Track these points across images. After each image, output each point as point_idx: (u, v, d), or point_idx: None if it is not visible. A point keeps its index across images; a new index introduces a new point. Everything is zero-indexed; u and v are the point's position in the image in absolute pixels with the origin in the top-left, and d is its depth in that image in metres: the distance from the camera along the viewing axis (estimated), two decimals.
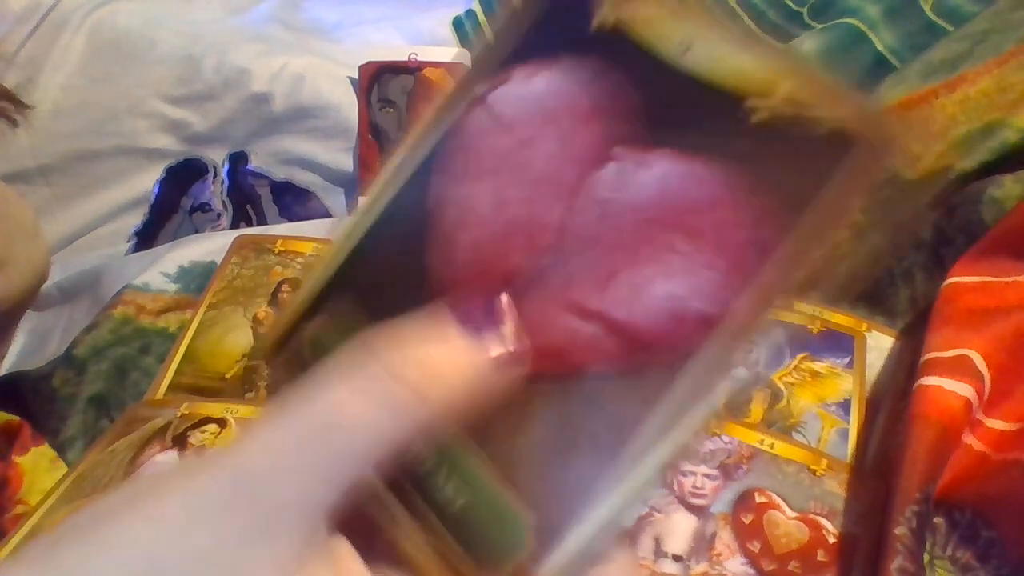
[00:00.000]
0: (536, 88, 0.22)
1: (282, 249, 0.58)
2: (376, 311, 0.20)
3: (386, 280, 0.22)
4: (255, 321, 0.54)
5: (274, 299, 0.55)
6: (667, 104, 0.20)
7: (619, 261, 0.20)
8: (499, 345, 0.19)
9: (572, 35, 0.22)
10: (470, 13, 0.93)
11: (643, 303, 0.19)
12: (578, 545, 0.19)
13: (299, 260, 0.57)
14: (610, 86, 0.21)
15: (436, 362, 0.19)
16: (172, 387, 0.51)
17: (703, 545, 0.37)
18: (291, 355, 0.23)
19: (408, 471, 0.20)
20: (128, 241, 0.77)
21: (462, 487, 0.20)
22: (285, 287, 0.56)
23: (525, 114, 0.21)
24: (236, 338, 0.53)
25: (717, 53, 0.20)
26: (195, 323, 0.54)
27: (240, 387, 0.51)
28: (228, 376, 0.52)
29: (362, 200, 0.24)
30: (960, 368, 0.41)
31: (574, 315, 0.20)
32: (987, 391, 0.41)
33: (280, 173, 0.79)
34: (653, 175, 0.20)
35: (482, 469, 0.20)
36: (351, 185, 0.78)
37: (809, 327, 0.49)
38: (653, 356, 0.19)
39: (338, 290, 0.23)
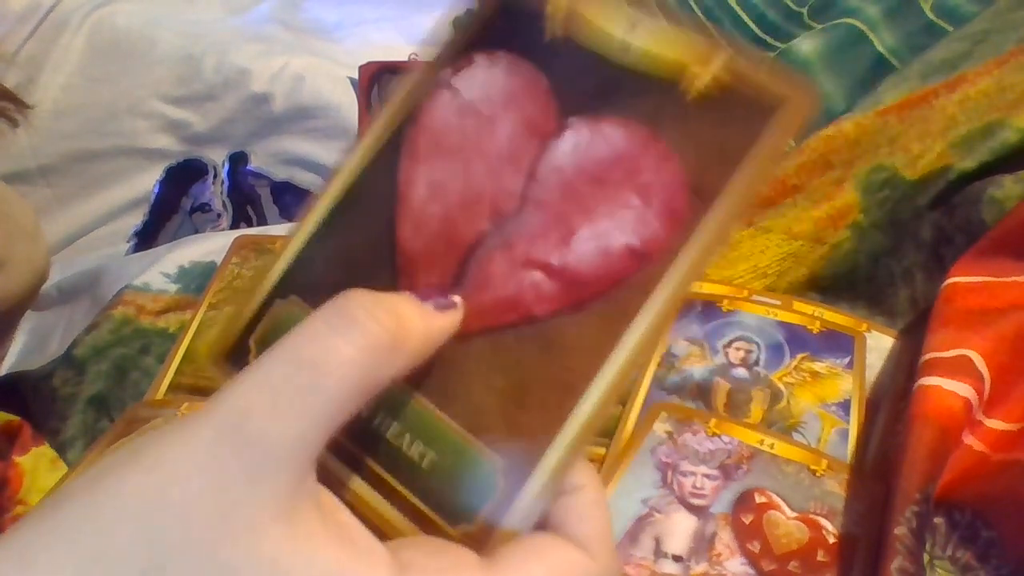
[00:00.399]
0: (497, 71, 0.24)
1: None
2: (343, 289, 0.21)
3: (354, 258, 0.24)
4: None
5: None
6: (613, 91, 0.23)
7: (575, 218, 0.22)
8: (454, 310, 0.22)
9: (525, 38, 0.24)
10: (470, 13, 0.93)
11: (595, 250, 0.22)
12: (544, 482, 0.21)
13: None
14: (563, 76, 0.24)
15: (408, 315, 0.20)
16: (172, 387, 0.51)
17: (703, 545, 0.37)
18: (241, 355, 0.24)
19: (363, 434, 0.22)
20: (128, 241, 0.77)
21: (428, 445, 0.21)
22: None
23: (487, 95, 0.24)
24: None
25: (653, 44, 0.23)
26: (195, 323, 0.54)
27: None
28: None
29: (323, 186, 0.25)
30: (960, 368, 0.41)
31: (536, 269, 0.22)
32: (987, 391, 0.41)
33: (280, 173, 0.79)
34: (604, 140, 0.23)
35: (446, 425, 0.21)
36: None
37: (809, 327, 0.49)
38: (596, 291, 0.22)
39: (298, 279, 0.24)
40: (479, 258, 0.23)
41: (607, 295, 0.22)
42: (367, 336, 0.19)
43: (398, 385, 0.21)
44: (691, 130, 0.22)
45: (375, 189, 0.24)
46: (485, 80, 0.24)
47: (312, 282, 0.24)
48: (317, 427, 0.19)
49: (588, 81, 0.23)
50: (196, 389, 0.51)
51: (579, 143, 0.23)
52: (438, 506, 0.21)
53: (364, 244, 0.24)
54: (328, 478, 0.21)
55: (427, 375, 0.22)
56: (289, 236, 0.25)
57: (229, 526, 0.18)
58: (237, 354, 0.24)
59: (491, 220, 0.23)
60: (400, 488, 0.21)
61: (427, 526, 0.21)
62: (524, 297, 0.22)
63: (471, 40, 0.25)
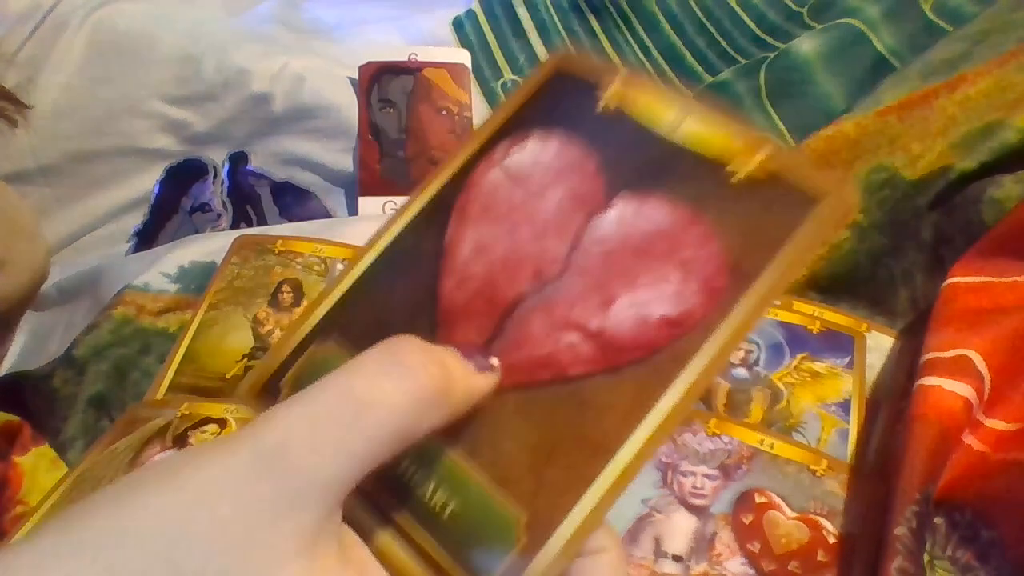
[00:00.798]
0: (549, 148, 0.26)
1: (282, 249, 0.58)
2: (381, 340, 0.21)
3: (396, 307, 0.25)
4: (255, 321, 0.54)
5: (274, 299, 0.55)
6: (661, 168, 0.24)
7: (616, 287, 0.23)
8: (492, 372, 0.22)
9: (577, 113, 0.26)
10: (470, 13, 0.93)
11: (633, 318, 0.23)
12: (568, 539, 0.20)
13: (299, 260, 0.57)
14: (612, 152, 0.25)
15: (455, 370, 0.20)
16: (172, 387, 0.51)
17: (703, 545, 0.37)
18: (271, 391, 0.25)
19: (390, 483, 0.22)
20: (128, 241, 0.77)
21: (453, 493, 0.22)
22: (285, 287, 0.56)
23: (539, 170, 0.25)
24: (236, 338, 0.53)
25: (702, 128, 0.24)
26: (195, 323, 0.54)
27: None
28: (228, 376, 0.52)
29: (371, 237, 0.26)
30: (960, 368, 0.41)
31: (574, 331, 0.23)
32: (987, 391, 0.41)
33: (280, 173, 0.79)
34: (649, 216, 0.24)
35: (473, 476, 0.22)
36: (351, 185, 0.78)
37: (809, 327, 0.49)
38: (632, 358, 0.22)
39: (338, 323, 0.25)
40: (518, 317, 0.24)
41: (642, 362, 0.22)
42: (417, 384, 0.19)
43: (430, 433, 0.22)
44: (734, 213, 0.23)
45: (422, 245, 0.25)
46: (537, 156, 0.26)
47: (353, 327, 0.25)
48: (353, 467, 0.19)
49: (636, 157, 0.25)
50: (196, 389, 0.51)
51: (625, 217, 0.24)
52: (457, 557, 0.21)
53: (407, 295, 0.25)
54: (349, 517, 0.21)
55: (459, 426, 0.22)
56: (333, 282, 0.26)
57: (251, 555, 0.18)
58: (268, 393, 0.25)
59: (532, 282, 0.24)
60: (420, 536, 0.21)
61: (423, 557, 0.21)
62: (560, 357, 0.23)
63: (524, 112, 0.27)
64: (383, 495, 0.22)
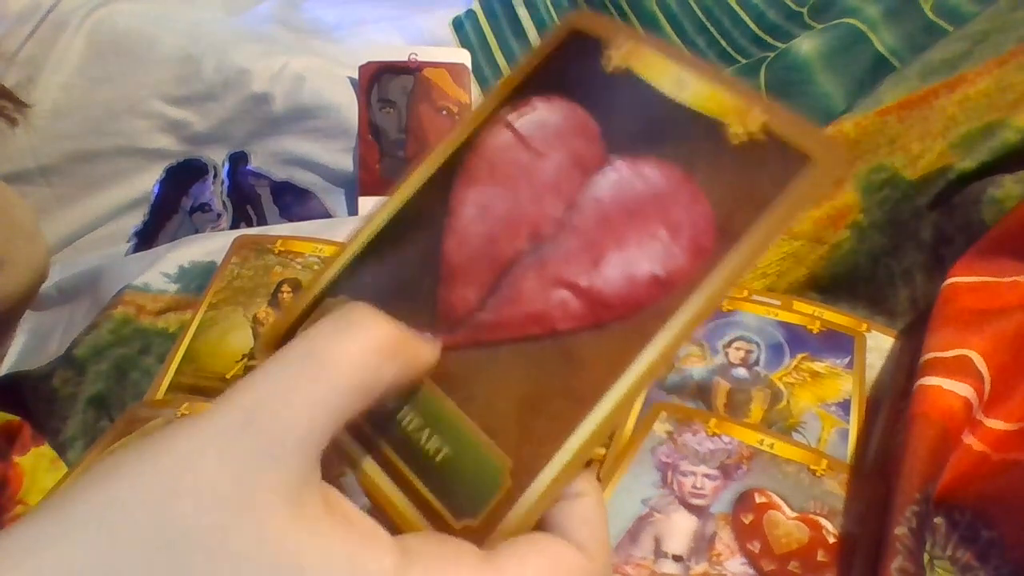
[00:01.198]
0: (553, 114, 0.27)
1: (282, 249, 0.58)
2: (388, 296, 0.24)
3: (402, 265, 0.26)
4: (255, 321, 0.54)
5: (274, 299, 0.55)
6: (662, 129, 0.25)
7: (607, 245, 0.24)
8: (433, 346, 0.24)
9: (587, 73, 0.27)
10: (470, 13, 0.93)
11: (621, 275, 0.24)
12: (548, 484, 0.22)
13: (299, 260, 0.57)
14: (617, 112, 0.26)
15: (401, 329, 0.22)
16: (172, 387, 0.51)
17: (703, 545, 0.37)
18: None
19: (386, 429, 0.24)
20: (128, 241, 0.77)
21: (445, 439, 0.23)
22: (285, 287, 0.56)
23: (541, 134, 0.26)
24: (236, 338, 0.53)
25: (708, 88, 0.25)
26: (195, 323, 0.54)
27: None
28: (228, 376, 0.52)
29: (378, 200, 0.27)
30: (960, 368, 0.41)
31: (564, 288, 0.24)
32: (987, 391, 0.41)
33: (280, 173, 0.79)
34: (642, 177, 0.25)
35: (465, 424, 0.23)
36: (351, 185, 0.78)
37: (809, 327, 0.49)
38: (619, 314, 0.23)
39: (349, 281, 0.27)
40: (514, 274, 0.25)
41: (628, 318, 0.23)
42: (368, 338, 0.21)
43: (427, 384, 0.24)
44: (725, 174, 0.24)
45: (429, 206, 0.27)
46: (544, 118, 0.27)
47: (361, 284, 0.26)
48: (324, 419, 0.20)
49: (639, 118, 0.25)
50: (196, 389, 0.51)
51: (619, 178, 0.25)
52: (445, 498, 0.22)
53: (413, 254, 0.26)
54: (345, 459, 0.23)
55: (454, 377, 0.24)
56: (346, 242, 0.27)
57: (240, 508, 0.18)
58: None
59: (530, 241, 0.25)
60: (411, 477, 0.23)
61: (432, 516, 0.22)
62: (551, 313, 0.24)
63: (537, 72, 0.28)
64: (377, 433, 0.24)
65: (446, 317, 0.25)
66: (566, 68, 0.27)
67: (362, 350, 0.21)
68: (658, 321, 0.23)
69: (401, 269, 0.26)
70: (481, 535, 0.22)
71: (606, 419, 0.22)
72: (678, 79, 0.25)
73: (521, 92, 0.27)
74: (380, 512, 0.22)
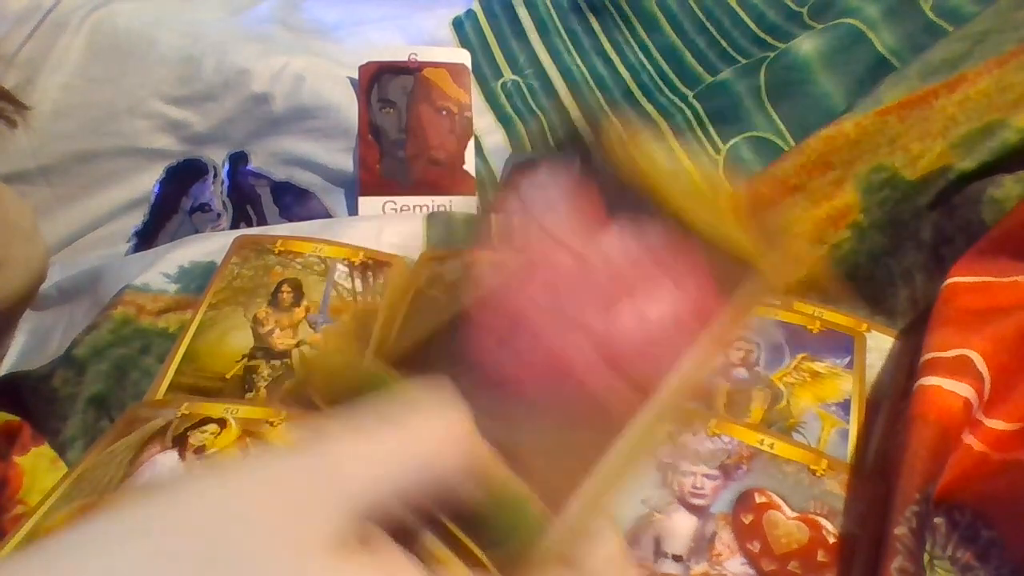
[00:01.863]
0: (557, 177, 0.29)
1: (282, 249, 0.58)
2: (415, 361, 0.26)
3: (426, 327, 0.28)
4: (255, 321, 0.54)
5: (274, 299, 0.55)
6: (644, 203, 0.28)
7: (617, 294, 0.26)
8: None
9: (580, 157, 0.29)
10: (470, 13, 0.93)
11: (634, 321, 0.25)
12: (572, 521, 0.23)
13: (299, 260, 0.57)
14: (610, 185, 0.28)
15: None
16: (172, 387, 0.51)
17: (703, 545, 0.37)
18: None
19: None
20: (128, 241, 0.77)
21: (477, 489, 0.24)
22: (285, 287, 0.56)
23: (546, 194, 0.29)
24: (236, 338, 0.53)
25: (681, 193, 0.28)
26: (195, 323, 0.54)
27: (240, 387, 0.51)
28: (228, 376, 0.52)
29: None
30: (960, 368, 0.41)
31: (581, 334, 0.25)
32: (987, 391, 0.41)
33: (280, 173, 0.79)
34: (645, 234, 0.27)
35: (498, 466, 0.24)
36: (351, 185, 0.78)
37: (809, 327, 0.49)
38: (633, 357, 0.25)
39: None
40: (532, 322, 0.26)
41: (641, 360, 0.25)
42: (459, 442, 0.22)
43: None
44: (699, 256, 0.27)
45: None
46: (546, 181, 0.29)
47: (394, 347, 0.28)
48: (391, 499, 0.21)
49: (628, 195, 0.28)
50: (196, 389, 0.51)
51: (624, 234, 0.27)
52: (472, 532, 0.23)
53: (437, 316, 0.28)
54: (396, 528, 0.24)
55: (489, 420, 0.24)
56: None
57: (281, 544, 0.19)
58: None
59: (544, 293, 0.27)
60: (441, 516, 0.24)
61: (463, 553, 0.23)
62: (569, 357, 0.26)
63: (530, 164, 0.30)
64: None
65: (475, 352, 0.26)
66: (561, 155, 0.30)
67: (452, 452, 0.22)
68: (668, 364, 0.25)
69: (427, 329, 0.27)
70: (505, 567, 0.23)
71: (623, 461, 0.24)
72: (662, 168, 0.29)
73: (524, 165, 0.30)
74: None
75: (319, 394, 0.26)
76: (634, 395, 0.24)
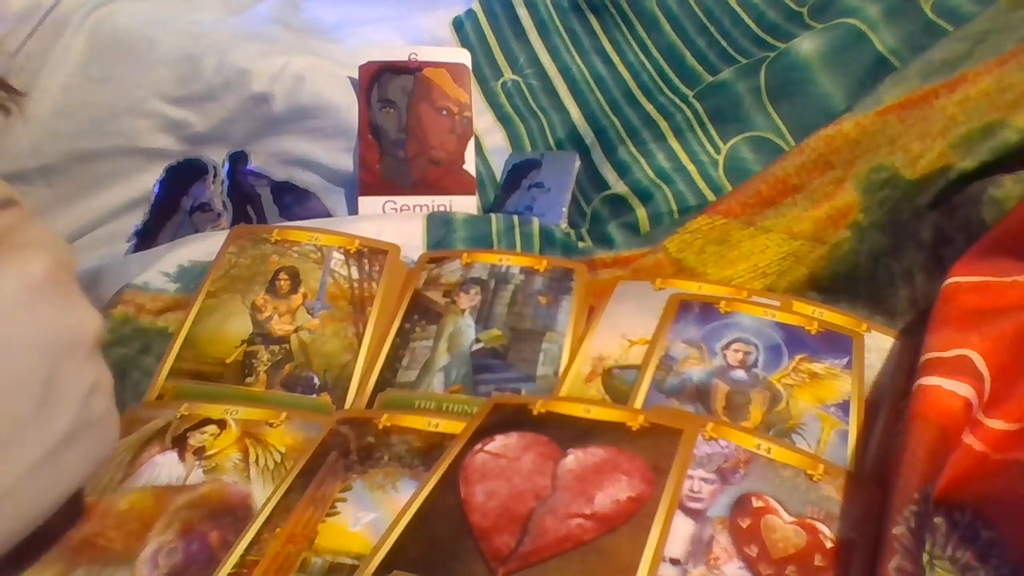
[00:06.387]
0: (512, 437, 0.43)
1: (278, 238, 0.58)
2: (437, 563, 0.38)
3: (440, 540, 0.38)
4: (254, 308, 0.55)
5: (271, 287, 0.56)
6: (586, 433, 0.43)
7: (591, 489, 0.39)
8: None
9: (522, 419, 0.44)
10: (470, 13, 0.93)
11: (610, 501, 0.39)
12: None
13: (295, 249, 0.58)
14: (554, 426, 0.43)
15: None
16: (173, 372, 0.52)
17: (700, 549, 0.37)
18: None
19: None
20: (128, 241, 0.77)
21: None
22: (282, 275, 0.56)
23: (510, 449, 0.42)
24: (235, 324, 0.54)
25: (606, 409, 0.44)
26: (194, 311, 0.54)
27: (240, 372, 0.52)
28: (228, 361, 0.52)
29: (409, 500, 0.41)
30: (960, 368, 0.41)
31: (577, 518, 0.38)
32: (987, 391, 0.41)
33: (280, 173, 0.79)
34: (595, 454, 0.41)
35: None
36: (351, 185, 0.78)
37: (807, 328, 0.49)
38: (618, 522, 0.38)
39: (396, 560, 0.38)
40: (536, 520, 0.38)
41: (626, 523, 0.38)
42: None
43: None
44: (639, 446, 0.41)
45: (445, 503, 0.40)
46: (506, 443, 0.43)
47: (409, 559, 0.38)
48: None
49: (571, 431, 0.43)
50: (196, 374, 0.52)
51: (580, 457, 0.41)
52: None
53: (447, 532, 0.39)
54: None
55: None
56: (381, 540, 0.39)
57: None
58: None
59: (535, 502, 0.39)
60: None
61: None
62: (574, 533, 0.38)
63: (482, 429, 0.44)
64: None
65: (494, 558, 0.37)
66: (502, 420, 0.44)
67: None
68: (647, 519, 0.37)
69: (439, 543, 0.38)
70: None
71: None
72: (582, 410, 0.43)
73: (477, 438, 0.43)
74: None
75: None
76: (631, 540, 0.37)
